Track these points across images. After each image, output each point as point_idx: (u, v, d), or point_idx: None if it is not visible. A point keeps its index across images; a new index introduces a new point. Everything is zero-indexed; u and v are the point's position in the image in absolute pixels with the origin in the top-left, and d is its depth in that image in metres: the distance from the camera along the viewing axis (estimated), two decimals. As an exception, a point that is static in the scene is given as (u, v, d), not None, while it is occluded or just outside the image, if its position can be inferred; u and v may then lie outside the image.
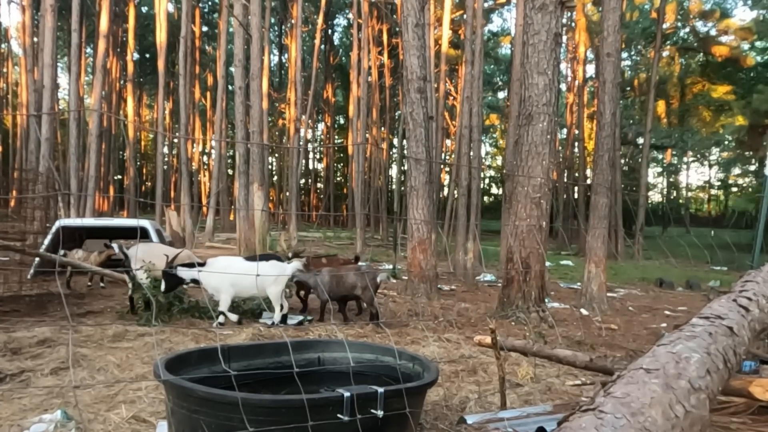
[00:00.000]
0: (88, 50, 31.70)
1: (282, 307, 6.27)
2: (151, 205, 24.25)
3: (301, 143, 26.39)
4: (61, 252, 8.18)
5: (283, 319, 6.28)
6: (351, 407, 2.31)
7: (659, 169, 43.47)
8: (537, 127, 7.19)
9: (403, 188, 19.12)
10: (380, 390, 2.41)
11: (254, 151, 12.94)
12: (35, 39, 20.66)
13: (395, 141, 32.16)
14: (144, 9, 33.70)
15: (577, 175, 31.24)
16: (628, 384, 1.53)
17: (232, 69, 18.00)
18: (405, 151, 14.74)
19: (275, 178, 37.92)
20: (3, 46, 32.71)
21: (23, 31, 20.99)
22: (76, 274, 8.66)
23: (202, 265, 6.09)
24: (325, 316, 6.77)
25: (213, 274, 5.94)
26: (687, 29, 31.88)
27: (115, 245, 7.45)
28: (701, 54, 32.09)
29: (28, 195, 9.06)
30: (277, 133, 37.71)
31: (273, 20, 31.06)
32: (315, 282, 6.71)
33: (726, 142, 35.67)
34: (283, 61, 38.83)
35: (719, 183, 42.46)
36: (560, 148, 29.75)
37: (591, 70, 29.04)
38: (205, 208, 24.61)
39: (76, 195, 15.96)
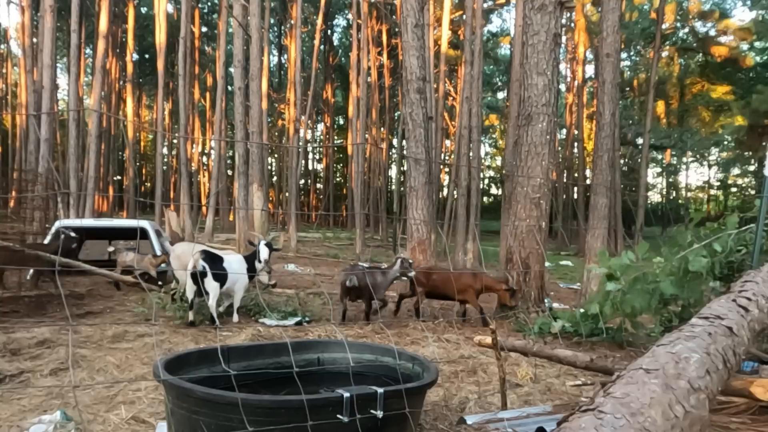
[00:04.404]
0: (88, 51, 31.68)
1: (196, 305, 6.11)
2: (150, 205, 24.24)
3: (300, 143, 26.39)
4: (110, 249, 8.42)
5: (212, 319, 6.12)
6: (351, 408, 2.31)
7: (658, 170, 43.49)
8: (536, 127, 7.19)
9: (402, 188, 19.12)
10: (380, 390, 2.41)
11: (254, 151, 12.93)
12: (34, 40, 20.64)
13: (395, 141, 32.17)
14: (143, 9, 33.68)
15: (576, 175, 31.26)
16: (628, 384, 1.53)
17: (231, 69, 18.00)
18: (404, 152, 14.75)
19: (275, 178, 37.91)
20: (2, 46, 32.70)
21: (22, 32, 20.96)
22: (76, 275, 8.65)
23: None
24: (324, 317, 6.78)
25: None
26: (686, 29, 31.90)
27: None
28: (700, 54, 32.12)
29: (28, 194, 9.05)
30: (276, 133, 37.71)
31: (272, 21, 31.07)
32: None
33: (725, 143, 35.68)
34: (283, 61, 38.84)
35: (719, 183, 42.47)
36: (560, 148, 29.75)
37: (590, 70, 29.08)
38: (204, 209, 24.61)
39: (76, 195, 15.94)
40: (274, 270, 9.20)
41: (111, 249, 8.78)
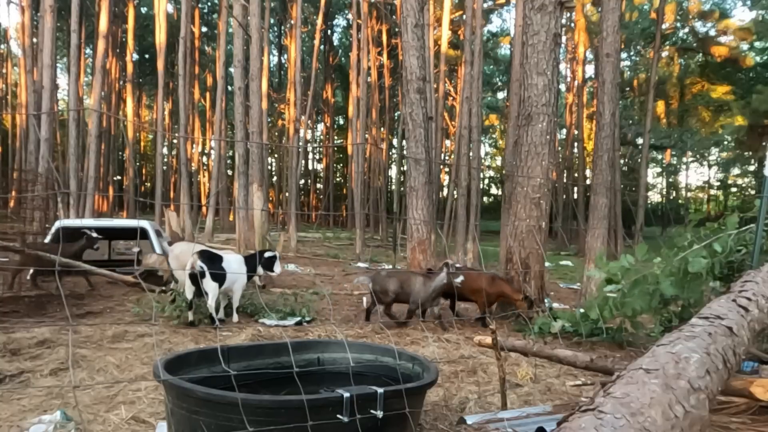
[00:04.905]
0: (88, 51, 31.67)
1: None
2: (150, 205, 24.26)
3: (300, 144, 26.39)
4: (135, 250, 8.52)
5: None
6: (351, 408, 2.31)
7: (658, 170, 43.50)
8: (536, 127, 7.19)
9: (402, 188, 19.13)
10: (380, 390, 2.41)
11: (254, 151, 12.92)
12: (34, 40, 20.64)
13: (395, 141, 32.18)
14: (143, 9, 33.68)
15: (576, 175, 31.26)
16: (628, 384, 1.53)
17: (231, 69, 17.99)
18: (404, 152, 14.76)
19: (275, 178, 37.91)
20: (2, 46, 32.71)
21: (22, 32, 20.97)
22: (74, 275, 8.65)
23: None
24: (325, 317, 6.79)
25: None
26: (686, 29, 31.89)
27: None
28: (700, 54, 32.10)
29: (28, 194, 9.06)
30: (276, 133, 37.71)
31: (272, 21, 31.06)
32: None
33: (725, 143, 35.69)
34: (283, 61, 38.84)
35: (719, 183, 42.48)
36: (560, 148, 29.75)
37: (590, 70, 29.07)
38: (204, 209, 24.61)
39: (76, 195, 15.93)
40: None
41: (137, 250, 8.91)
